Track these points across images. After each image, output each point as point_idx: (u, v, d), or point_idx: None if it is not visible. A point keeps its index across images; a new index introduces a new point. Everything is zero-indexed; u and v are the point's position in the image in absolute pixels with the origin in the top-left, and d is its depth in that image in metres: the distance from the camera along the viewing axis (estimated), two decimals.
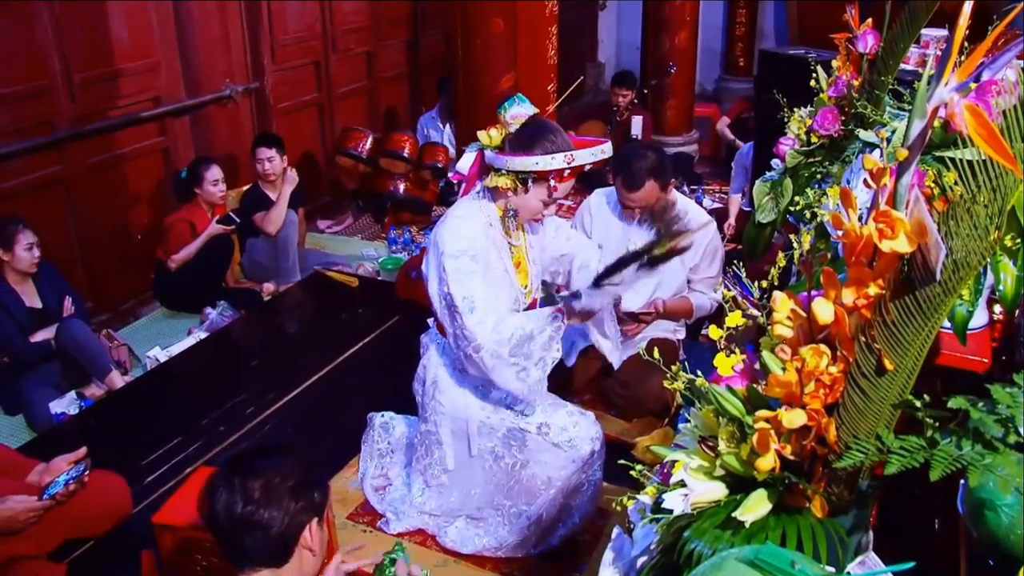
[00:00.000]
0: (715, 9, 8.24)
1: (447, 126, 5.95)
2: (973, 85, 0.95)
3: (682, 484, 1.15)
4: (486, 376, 2.29)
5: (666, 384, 1.26)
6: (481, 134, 2.32)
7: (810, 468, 1.11)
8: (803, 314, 1.09)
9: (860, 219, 1.00)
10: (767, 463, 1.07)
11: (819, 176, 2.18)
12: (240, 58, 4.99)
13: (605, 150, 2.27)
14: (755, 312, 1.24)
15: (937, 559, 1.50)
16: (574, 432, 2.41)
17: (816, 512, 1.08)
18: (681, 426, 1.29)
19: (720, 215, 5.37)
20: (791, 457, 1.08)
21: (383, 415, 3.00)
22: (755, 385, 1.16)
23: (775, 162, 2.36)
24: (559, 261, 2.64)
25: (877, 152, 1.72)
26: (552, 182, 2.25)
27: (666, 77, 6.63)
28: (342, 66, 5.83)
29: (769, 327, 1.13)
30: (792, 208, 2.18)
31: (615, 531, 1.34)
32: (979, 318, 1.58)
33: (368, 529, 2.69)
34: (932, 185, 1.30)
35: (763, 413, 1.08)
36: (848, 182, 1.90)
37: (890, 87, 2.02)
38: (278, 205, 4.50)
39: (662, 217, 2.52)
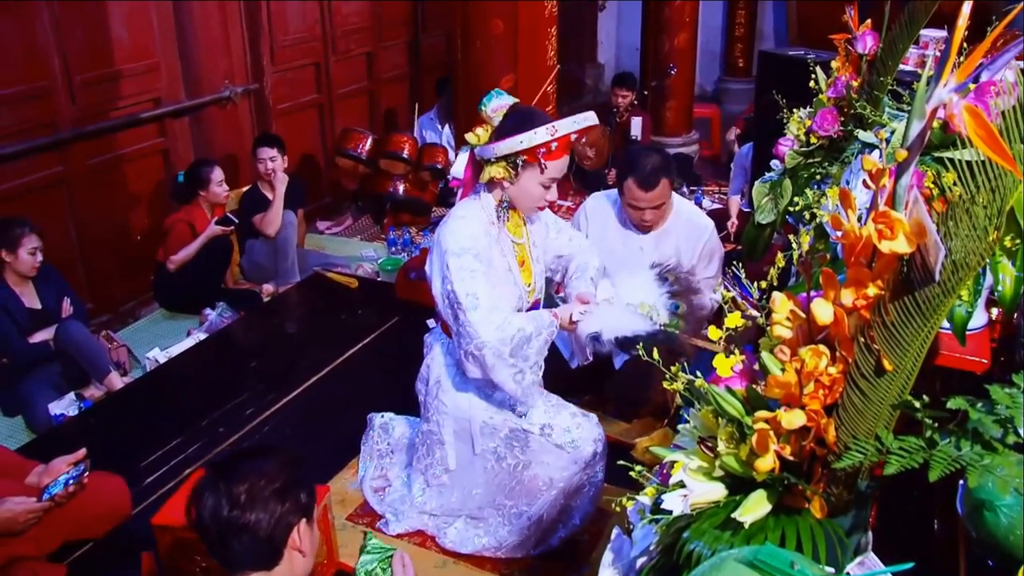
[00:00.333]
0: (714, 10, 8.25)
1: (446, 127, 5.95)
2: (972, 86, 0.95)
3: (681, 485, 1.15)
4: (485, 376, 2.29)
5: (666, 385, 1.26)
6: (469, 135, 2.33)
7: (809, 469, 1.11)
8: (802, 315, 1.09)
9: (859, 220, 1.00)
10: (766, 464, 1.07)
11: (818, 177, 2.18)
12: (240, 59, 5.00)
13: (588, 117, 2.27)
14: (754, 313, 1.24)
15: (936, 560, 1.50)
16: (577, 434, 2.41)
17: (815, 513, 1.08)
18: (680, 427, 1.29)
19: (720, 216, 5.38)
20: (790, 458, 1.08)
21: (383, 416, 3.00)
22: (754, 386, 1.16)
23: (774, 163, 2.36)
24: (558, 261, 2.64)
25: (876, 153, 1.72)
26: (543, 161, 2.22)
27: (666, 78, 6.64)
28: (342, 67, 5.84)
29: (768, 328, 1.13)
30: (791, 209, 2.18)
31: (615, 532, 1.34)
32: (978, 319, 1.58)
33: (367, 530, 2.69)
34: (931, 186, 1.31)
35: (762, 414, 1.08)
36: (847, 183, 1.90)
37: (889, 88, 2.02)
38: (274, 206, 4.51)
39: (687, 296, 2.56)
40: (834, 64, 2.19)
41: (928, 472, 0.99)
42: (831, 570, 0.99)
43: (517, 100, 2.31)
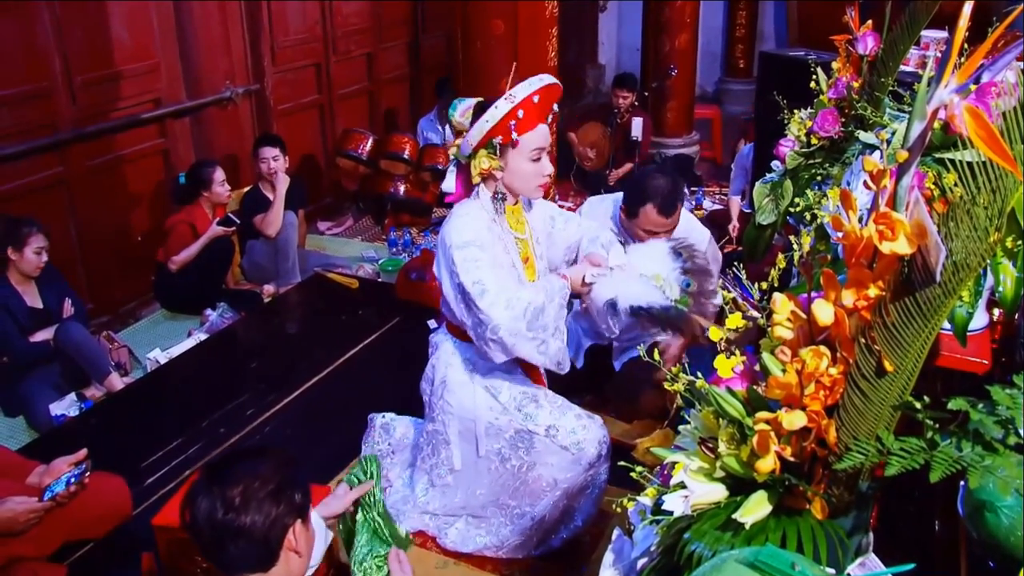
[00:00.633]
0: (715, 11, 8.25)
1: (446, 128, 5.93)
2: (973, 87, 0.95)
3: (682, 486, 1.15)
4: (509, 355, 2.26)
5: (666, 386, 1.26)
6: (451, 149, 2.35)
7: (810, 470, 1.11)
8: (803, 316, 1.09)
9: (860, 221, 1.00)
10: (767, 465, 1.07)
11: (819, 178, 2.18)
12: (241, 60, 5.00)
13: (542, 78, 2.26)
14: (755, 314, 1.24)
15: (937, 560, 1.50)
16: (582, 435, 2.41)
17: (816, 514, 1.08)
18: (681, 428, 1.29)
19: (720, 216, 5.38)
20: (791, 459, 1.08)
21: (384, 416, 2.99)
22: (755, 387, 1.16)
23: (775, 164, 2.36)
24: (570, 249, 2.62)
25: (877, 154, 1.72)
26: (516, 136, 2.21)
27: (666, 79, 6.64)
28: (342, 68, 5.84)
29: (769, 329, 1.13)
30: (792, 210, 2.18)
31: (615, 533, 1.34)
32: (979, 320, 1.58)
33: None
34: (932, 187, 1.31)
35: (763, 415, 1.08)
36: (848, 184, 1.90)
37: (890, 89, 2.02)
38: (274, 207, 4.51)
39: (699, 275, 2.51)
40: (835, 65, 2.19)
41: (929, 473, 0.99)
42: (832, 571, 0.99)
43: (480, 99, 2.31)
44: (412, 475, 2.75)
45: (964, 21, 0.95)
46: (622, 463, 1.41)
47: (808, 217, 2.04)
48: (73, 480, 2.32)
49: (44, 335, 3.52)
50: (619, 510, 1.33)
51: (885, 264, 0.99)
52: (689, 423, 1.26)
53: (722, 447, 1.14)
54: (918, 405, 1.03)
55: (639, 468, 1.29)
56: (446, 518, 2.63)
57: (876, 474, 1.10)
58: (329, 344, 3.95)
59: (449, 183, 2.40)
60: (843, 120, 2.12)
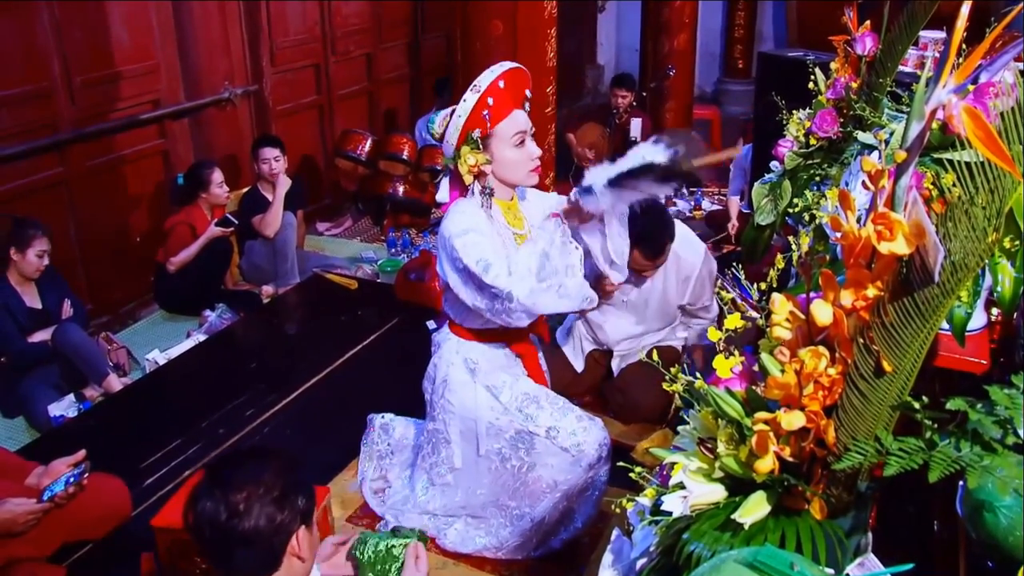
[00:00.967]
0: (714, 11, 8.25)
1: None
2: (971, 87, 0.95)
3: (681, 486, 1.15)
4: (534, 315, 2.23)
5: (665, 387, 1.26)
6: (440, 161, 2.36)
7: (809, 470, 1.11)
8: (802, 316, 1.09)
9: (858, 221, 1.00)
10: (766, 465, 1.07)
11: (818, 178, 2.18)
12: (240, 60, 5.00)
13: (503, 64, 2.25)
14: (754, 314, 1.24)
15: (936, 561, 1.50)
16: (583, 437, 2.40)
17: (815, 514, 1.08)
18: (680, 428, 1.29)
19: (719, 217, 5.38)
20: (790, 459, 1.08)
21: (383, 416, 2.99)
22: (754, 387, 1.16)
23: (774, 164, 2.36)
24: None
25: (875, 154, 1.72)
26: (491, 127, 2.21)
27: (665, 79, 6.64)
28: (342, 68, 5.83)
29: (768, 329, 1.13)
30: (791, 210, 2.18)
31: (614, 533, 1.34)
32: (977, 320, 1.58)
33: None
34: (930, 187, 1.31)
35: (762, 415, 1.08)
36: (846, 184, 1.90)
37: (888, 89, 2.03)
38: (273, 208, 4.51)
39: (684, 144, 2.37)
40: (833, 65, 2.19)
41: (928, 473, 0.99)
42: (831, 571, 0.99)
43: (453, 107, 2.31)
44: (412, 475, 2.75)
45: (962, 21, 0.95)
46: (621, 463, 1.41)
47: (807, 217, 2.04)
48: (72, 481, 2.32)
49: (43, 336, 3.52)
50: (618, 510, 1.33)
51: (883, 264, 0.99)
52: (688, 424, 1.26)
53: (721, 447, 1.14)
54: (917, 405, 1.03)
55: (638, 468, 1.29)
56: (445, 519, 2.63)
57: (875, 474, 1.10)
58: (328, 345, 3.95)
59: (443, 193, 2.40)
60: (842, 120, 2.12)
